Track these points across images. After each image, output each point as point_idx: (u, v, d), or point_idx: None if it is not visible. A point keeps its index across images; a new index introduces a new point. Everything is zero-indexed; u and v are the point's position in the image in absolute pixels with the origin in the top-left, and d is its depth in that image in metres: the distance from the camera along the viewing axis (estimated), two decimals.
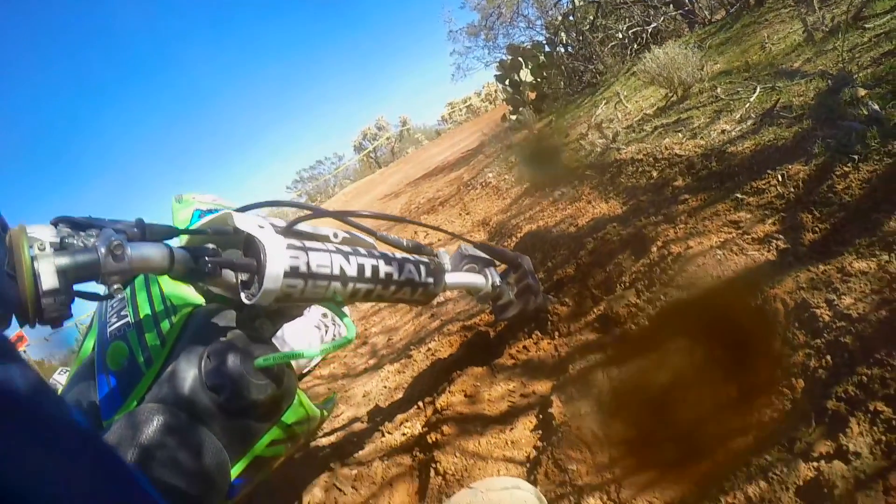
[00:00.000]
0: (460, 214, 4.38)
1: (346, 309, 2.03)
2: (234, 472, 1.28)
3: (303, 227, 1.36)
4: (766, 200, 1.67)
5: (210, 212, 1.73)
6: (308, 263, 1.21)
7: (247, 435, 1.32)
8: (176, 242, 1.21)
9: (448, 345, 2.23)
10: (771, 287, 1.32)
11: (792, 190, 1.63)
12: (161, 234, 1.14)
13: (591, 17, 6.91)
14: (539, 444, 1.43)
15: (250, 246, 1.20)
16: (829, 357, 1.11)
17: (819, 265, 1.31)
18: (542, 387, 1.64)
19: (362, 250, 1.40)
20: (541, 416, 1.50)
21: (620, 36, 6.29)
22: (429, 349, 2.32)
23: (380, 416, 2.05)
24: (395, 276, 1.43)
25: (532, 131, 5.95)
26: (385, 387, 2.31)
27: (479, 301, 1.83)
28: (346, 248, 1.35)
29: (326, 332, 2.98)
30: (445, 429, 1.65)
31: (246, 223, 1.19)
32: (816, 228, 1.45)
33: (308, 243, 1.26)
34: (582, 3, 7.47)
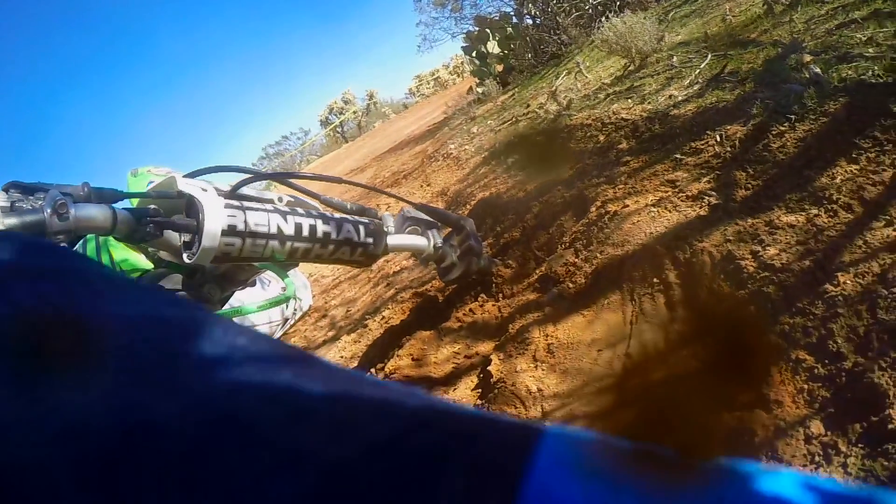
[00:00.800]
0: (422, 186, 4.38)
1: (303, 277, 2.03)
2: None
3: (249, 191, 1.39)
4: (703, 160, 1.69)
5: None
6: (245, 222, 1.23)
7: None
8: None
9: (401, 311, 2.25)
10: (699, 241, 1.35)
11: (729, 149, 1.66)
12: (107, 197, 1.16)
13: None
14: (479, 401, 1.46)
15: (191, 207, 1.22)
16: (752, 307, 1.14)
17: (748, 219, 1.34)
18: (484, 347, 1.66)
19: (301, 210, 1.41)
20: (481, 375, 1.53)
21: (587, 7, 6.27)
22: (383, 317, 2.34)
23: None
24: (333, 236, 1.44)
25: (496, 103, 5.94)
26: (342, 357, 2.33)
27: (422, 262, 1.84)
28: (285, 208, 1.37)
29: (287, 305, 2.99)
30: None
31: (188, 186, 1.21)
32: (749, 185, 1.48)
33: (247, 203, 1.28)
34: None
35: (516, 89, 5.96)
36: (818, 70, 1.71)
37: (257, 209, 1.28)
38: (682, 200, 1.56)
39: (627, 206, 1.67)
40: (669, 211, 1.55)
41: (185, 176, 1.36)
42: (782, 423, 0.95)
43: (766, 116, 1.66)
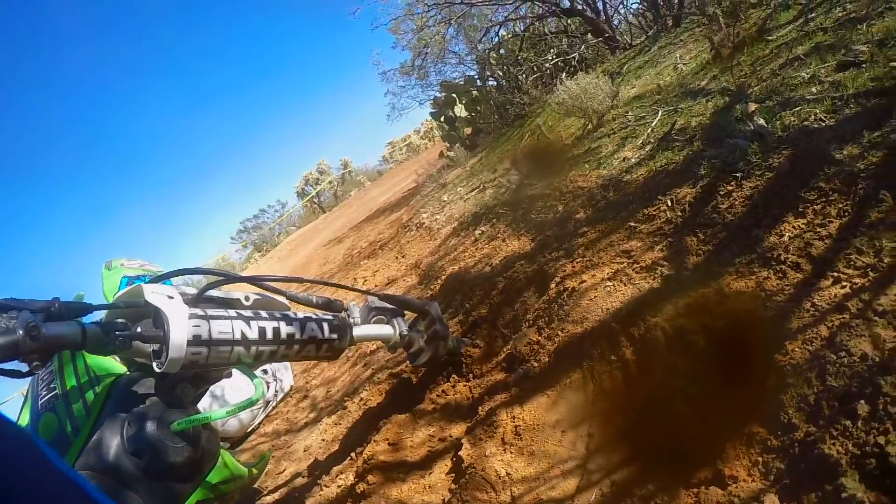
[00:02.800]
0: (396, 258, 4.42)
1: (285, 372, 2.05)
2: None
3: (215, 293, 1.45)
4: (655, 227, 1.74)
5: (138, 278, 1.79)
6: (210, 331, 1.29)
7: (171, 497, 1.38)
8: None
9: (378, 393, 2.26)
10: (653, 316, 1.38)
11: (680, 214, 1.71)
12: (76, 311, 1.21)
13: (516, 50, 7.09)
14: (452, 486, 1.47)
15: (157, 318, 1.27)
16: (707, 381, 1.17)
17: (699, 289, 1.37)
18: (457, 430, 1.68)
19: (264, 314, 1.46)
20: (454, 459, 1.54)
21: (546, 67, 6.45)
22: (361, 399, 2.34)
23: (318, 470, 2.07)
24: (298, 336, 1.49)
25: (465, 168, 6.04)
26: (323, 440, 2.32)
27: (390, 350, 1.87)
28: (248, 314, 1.42)
29: (268, 387, 2.98)
30: (371, 478, 1.68)
31: (154, 296, 1.26)
32: (700, 251, 1.52)
33: (211, 311, 1.33)
34: (508, 36, 7.65)
35: (484, 153, 6.07)
36: (762, 121, 1.77)
37: (221, 317, 1.34)
38: (636, 272, 1.61)
39: (585, 281, 1.71)
40: (625, 284, 1.59)
41: (152, 281, 1.43)
42: (737, 500, 0.96)
43: (714, 176, 1.71)
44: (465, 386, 1.84)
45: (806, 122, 1.65)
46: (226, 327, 1.33)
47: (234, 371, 2.06)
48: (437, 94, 8.84)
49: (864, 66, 1.75)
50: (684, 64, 3.39)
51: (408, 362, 2.28)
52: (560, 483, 1.23)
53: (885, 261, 1.13)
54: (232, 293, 1.53)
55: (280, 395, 3.08)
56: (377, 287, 3.85)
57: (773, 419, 1.03)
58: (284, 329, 1.46)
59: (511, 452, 1.39)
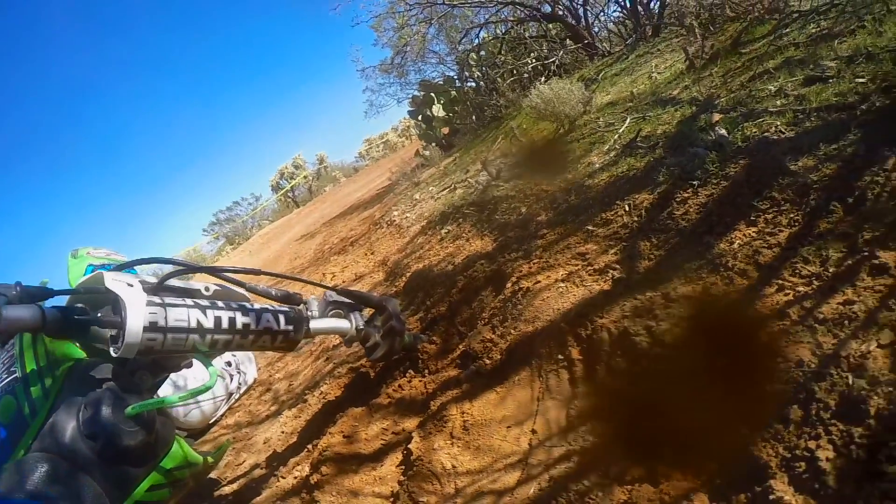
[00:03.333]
0: (366, 254, 4.43)
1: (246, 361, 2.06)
2: None
3: (177, 282, 1.47)
4: (612, 231, 1.79)
5: (103, 266, 1.81)
6: (166, 318, 1.32)
7: (125, 480, 1.41)
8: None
9: (337, 387, 2.28)
10: (600, 317, 1.42)
11: (636, 219, 1.75)
12: (37, 295, 1.28)
13: (496, 53, 7.14)
14: (401, 478, 1.50)
15: (116, 304, 1.29)
16: (647, 382, 1.20)
17: (647, 292, 1.41)
18: (410, 423, 1.71)
19: (220, 303, 1.48)
20: (405, 452, 1.57)
21: (525, 70, 6.49)
22: (321, 392, 2.36)
23: (276, 462, 2.08)
24: (253, 326, 1.52)
25: (439, 168, 6.06)
26: (283, 432, 2.34)
27: (346, 344, 1.89)
28: (205, 303, 1.44)
29: (231, 379, 2.99)
30: (325, 469, 1.71)
31: (114, 283, 1.29)
32: (652, 255, 1.56)
33: (169, 300, 1.36)
34: (489, 38, 7.69)
35: (459, 153, 6.10)
36: (723, 131, 1.82)
37: (178, 305, 1.37)
38: (589, 274, 1.65)
39: (539, 281, 1.75)
40: (577, 286, 1.63)
41: (114, 268, 1.45)
42: (667, 498, 0.99)
43: (672, 183, 1.75)
44: (420, 381, 1.86)
45: (766, 134, 1.69)
46: (182, 315, 1.36)
47: (196, 361, 2.10)
48: (416, 93, 8.85)
49: (830, 81, 1.80)
50: (659, 73, 3.45)
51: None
52: (502, 477, 1.26)
53: (830, 270, 1.16)
54: (193, 283, 1.56)
55: (243, 388, 3.09)
56: (345, 283, 3.86)
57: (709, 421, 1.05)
58: (240, 319, 1.49)
59: (458, 446, 1.42)
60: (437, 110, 8.01)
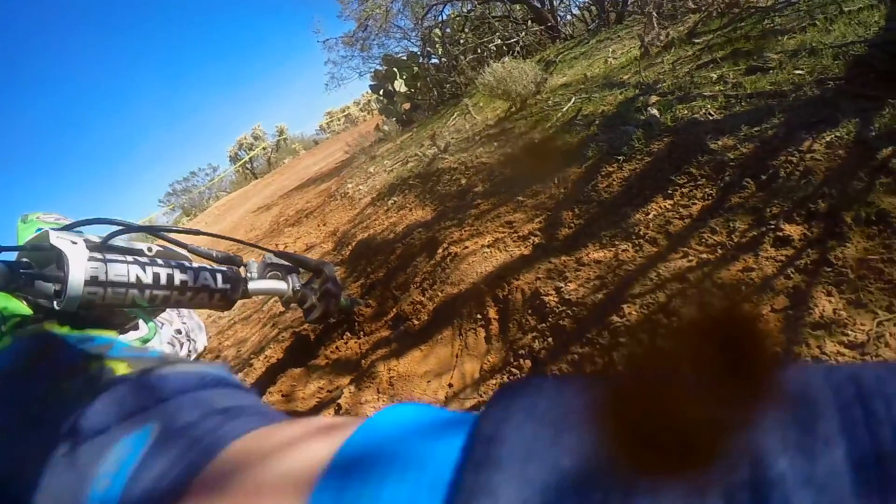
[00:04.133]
0: (318, 226, 4.47)
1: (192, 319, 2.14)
2: None
3: (121, 242, 1.52)
4: (540, 201, 1.87)
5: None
6: (107, 273, 1.37)
7: None
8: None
9: (280, 350, 2.34)
10: (516, 279, 1.50)
11: (563, 190, 1.84)
12: None
13: (459, 30, 7.16)
14: None
15: (60, 260, 1.34)
16: (551, 339, 1.27)
17: (562, 257, 1.49)
18: (343, 382, 1.78)
19: (160, 261, 1.53)
20: (336, 408, 1.64)
21: (487, 49, 6.53)
22: (266, 356, 2.41)
23: None
24: (190, 283, 1.57)
25: (396, 143, 6.10)
26: None
27: (283, 305, 1.95)
28: (145, 260, 1.49)
29: (182, 347, 3.01)
30: None
31: (59, 240, 1.34)
32: (573, 224, 1.65)
33: (110, 256, 1.41)
34: (454, 15, 7.69)
35: (417, 128, 6.14)
36: (655, 112, 1.90)
37: (119, 261, 1.42)
38: (513, 241, 1.73)
39: (467, 247, 1.83)
40: (500, 251, 1.71)
41: (60, 229, 1.50)
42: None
43: (599, 158, 1.83)
44: (355, 343, 1.93)
45: (696, 116, 1.77)
46: (122, 270, 1.41)
47: (142, 324, 2.14)
48: (379, 67, 8.81)
49: (770, 71, 1.88)
50: (615, 59, 3.53)
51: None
52: None
53: (735, 240, 1.23)
54: (137, 244, 1.60)
55: (193, 356, 3.11)
56: (296, 252, 3.90)
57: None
58: (178, 276, 1.54)
59: (383, 400, 1.50)
60: (399, 85, 8.00)
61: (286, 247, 4.27)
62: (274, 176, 15.80)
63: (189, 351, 3.02)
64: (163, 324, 2.57)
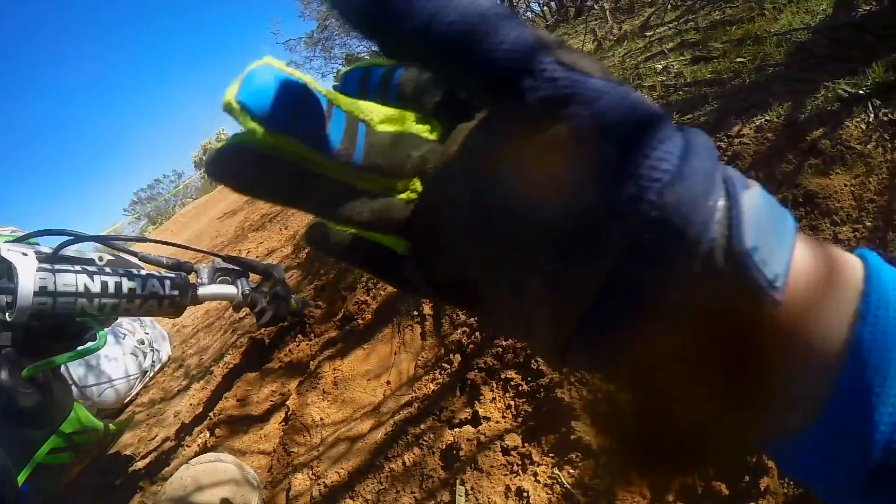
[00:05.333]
0: (280, 230, 4.47)
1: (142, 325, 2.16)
2: (21, 478, 1.45)
3: (71, 252, 1.56)
4: None
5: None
6: (55, 283, 1.40)
7: (25, 442, 1.50)
8: None
9: (239, 355, 2.36)
10: None
11: None
12: None
13: None
14: (281, 433, 1.60)
15: (10, 271, 1.38)
16: (478, 333, 1.30)
17: None
18: (294, 384, 1.81)
19: (108, 270, 1.56)
20: (286, 410, 1.68)
21: None
22: (225, 362, 2.43)
23: (184, 433, 2.15)
24: (139, 291, 1.60)
25: None
26: (190, 404, 2.40)
27: (234, 309, 1.97)
28: (93, 269, 1.53)
29: (145, 357, 3.00)
30: (219, 432, 1.80)
31: (10, 253, 1.40)
32: None
33: (60, 266, 1.44)
34: None
35: None
36: None
37: (68, 271, 1.46)
38: None
39: None
40: None
41: (12, 241, 1.54)
42: (484, 437, 1.07)
43: None
44: (306, 345, 1.96)
45: None
46: (70, 280, 1.46)
47: (110, 339, 2.17)
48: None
49: (713, 60, 1.90)
50: None
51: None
52: (359, 425, 1.37)
53: None
54: (87, 253, 1.64)
55: (157, 366, 3.11)
56: (259, 258, 3.90)
57: (526, 366, 1.13)
58: (126, 284, 1.57)
59: (328, 400, 1.54)
60: None
61: (249, 252, 4.27)
62: None
63: (153, 361, 3.02)
64: (125, 334, 2.59)
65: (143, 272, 1.66)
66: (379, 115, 0.28)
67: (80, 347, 1.57)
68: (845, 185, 1.06)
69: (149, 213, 19.73)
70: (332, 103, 0.26)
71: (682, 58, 2.08)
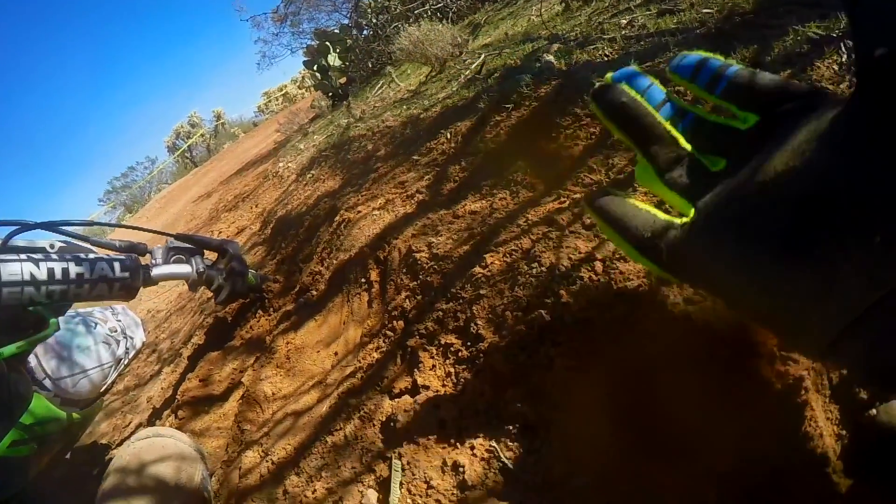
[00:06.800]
0: (251, 208, 4.43)
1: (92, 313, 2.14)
2: None
3: (21, 242, 1.52)
4: (432, 158, 1.85)
5: None
6: (0, 274, 1.34)
7: None
8: None
9: (205, 336, 2.33)
10: (395, 238, 1.50)
11: (453, 145, 1.82)
12: None
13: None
14: (238, 410, 1.57)
15: None
16: (420, 296, 1.25)
17: (441, 211, 1.47)
18: (253, 361, 1.78)
19: (55, 256, 1.52)
20: (243, 389, 1.64)
21: (414, 16, 6.41)
22: (193, 344, 2.40)
23: (154, 417, 2.12)
24: (87, 275, 1.56)
25: (328, 118, 6.02)
26: (161, 388, 2.37)
27: (191, 289, 1.93)
28: (39, 256, 1.49)
29: (118, 345, 2.96)
30: (181, 413, 1.78)
31: None
32: (457, 178, 1.62)
33: (5, 256, 1.41)
34: None
35: (349, 101, 6.07)
36: (551, 58, 1.87)
37: (13, 260, 1.42)
38: (402, 200, 1.71)
39: (360, 211, 1.81)
40: (389, 212, 1.70)
41: None
42: (421, 408, 1.02)
43: (490, 108, 1.80)
44: (266, 320, 1.92)
45: (593, 59, 1.73)
46: (15, 269, 1.41)
47: (81, 328, 2.14)
48: (311, 42, 8.62)
49: (680, 12, 1.83)
50: (538, 16, 3.48)
51: (232, 305, 2.36)
52: (305, 397, 1.33)
53: (612, 177, 1.19)
54: (38, 242, 1.61)
55: (132, 353, 3.06)
56: (229, 237, 3.86)
57: (466, 331, 1.07)
58: (73, 269, 1.53)
59: (281, 374, 1.50)
60: (333, 59, 7.82)
61: (220, 233, 4.22)
62: (213, 163, 15.51)
63: (127, 348, 2.97)
64: (97, 323, 2.54)
65: (91, 256, 1.62)
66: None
67: (27, 338, 1.54)
68: None
69: (124, 202, 19.52)
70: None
71: (647, 13, 2.03)
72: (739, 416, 0.67)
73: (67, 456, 2.05)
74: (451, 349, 1.07)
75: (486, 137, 1.69)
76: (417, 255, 1.36)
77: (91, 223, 1.80)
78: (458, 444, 0.91)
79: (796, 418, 0.64)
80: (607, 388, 0.80)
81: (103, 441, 2.28)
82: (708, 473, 0.66)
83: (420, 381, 1.06)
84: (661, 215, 0.58)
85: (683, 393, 0.72)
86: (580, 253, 1.02)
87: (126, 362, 3.03)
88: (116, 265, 1.64)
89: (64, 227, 1.66)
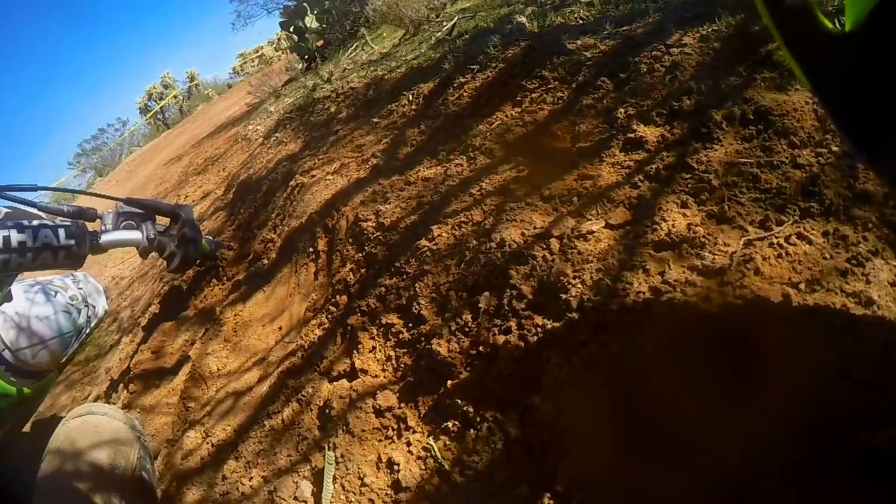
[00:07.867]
0: (218, 172, 4.32)
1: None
2: None
3: None
4: (392, 121, 1.76)
5: None
6: None
7: None
8: None
9: (160, 305, 2.25)
10: (344, 205, 1.41)
11: (414, 107, 1.73)
12: None
13: None
14: (183, 386, 1.50)
15: None
16: (364, 270, 1.18)
17: (393, 176, 1.39)
18: (202, 333, 1.71)
19: None
20: (191, 365, 1.58)
21: None
22: (150, 313, 2.32)
23: (111, 389, 2.05)
24: (30, 244, 1.48)
25: (299, 81, 5.90)
26: (119, 359, 2.30)
27: (142, 256, 1.84)
28: None
29: (79, 313, 2.87)
30: (132, 387, 1.71)
31: None
32: (415, 142, 1.54)
33: None
34: None
35: (323, 63, 5.94)
36: (523, 19, 1.79)
37: None
38: (357, 165, 1.63)
39: (315, 175, 1.73)
40: (342, 177, 1.61)
41: None
42: (357, 395, 0.95)
43: (454, 70, 1.72)
44: (220, 289, 1.84)
45: (566, 21, 1.66)
46: None
47: (40, 298, 2.07)
48: (288, 3, 8.42)
49: None
50: None
51: (190, 272, 2.28)
52: (248, 375, 1.27)
53: (577, 145, 1.12)
54: None
55: (94, 321, 2.98)
56: (195, 202, 3.76)
57: (408, 310, 1.00)
58: (15, 237, 1.45)
59: (227, 349, 1.43)
60: (310, 21, 7.62)
61: (187, 197, 4.12)
62: (185, 125, 15.23)
63: (88, 317, 2.88)
64: (56, 292, 2.45)
65: (35, 223, 1.52)
66: None
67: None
68: (806, 103, 0.88)
69: (95, 165, 19.12)
70: None
71: None
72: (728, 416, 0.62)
73: (26, 429, 1.96)
74: (392, 330, 1.01)
75: (448, 100, 1.61)
76: (364, 225, 1.28)
77: (32, 188, 1.70)
78: (394, 437, 0.86)
79: (796, 417, 0.58)
80: (564, 386, 0.73)
81: (62, 414, 2.21)
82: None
83: (358, 364, 1.00)
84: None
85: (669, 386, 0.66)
86: (535, 228, 0.95)
87: (87, 331, 2.95)
88: (61, 232, 1.55)
89: (9, 193, 1.56)
